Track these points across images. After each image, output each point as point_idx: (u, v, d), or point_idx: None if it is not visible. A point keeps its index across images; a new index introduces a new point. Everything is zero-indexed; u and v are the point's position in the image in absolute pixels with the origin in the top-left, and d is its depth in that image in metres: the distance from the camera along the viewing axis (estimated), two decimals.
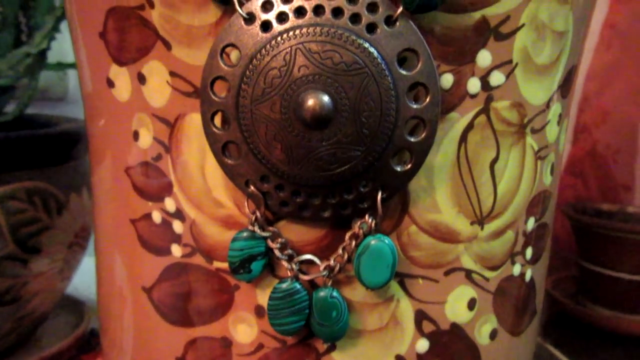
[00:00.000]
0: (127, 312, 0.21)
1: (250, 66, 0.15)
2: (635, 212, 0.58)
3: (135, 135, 0.19)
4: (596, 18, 0.65)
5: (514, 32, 0.17)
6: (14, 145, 0.38)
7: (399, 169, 0.16)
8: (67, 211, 0.41)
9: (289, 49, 0.15)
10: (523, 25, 0.17)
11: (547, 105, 0.19)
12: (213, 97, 0.16)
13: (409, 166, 0.16)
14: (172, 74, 0.17)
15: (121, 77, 0.19)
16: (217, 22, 0.16)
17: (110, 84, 0.19)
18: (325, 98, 0.15)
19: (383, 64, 0.15)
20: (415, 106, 0.16)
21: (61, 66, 0.49)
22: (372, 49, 0.15)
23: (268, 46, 0.15)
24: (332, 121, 0.15)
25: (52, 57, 0.46)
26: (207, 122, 0.16)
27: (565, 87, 0.20)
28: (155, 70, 0.18)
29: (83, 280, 0.48)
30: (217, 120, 0.17)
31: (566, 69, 0.19)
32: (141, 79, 0.18)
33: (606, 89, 0.70)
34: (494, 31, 0.17)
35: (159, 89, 0.18)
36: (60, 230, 0.41)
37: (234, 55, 0.16)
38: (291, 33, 0.15)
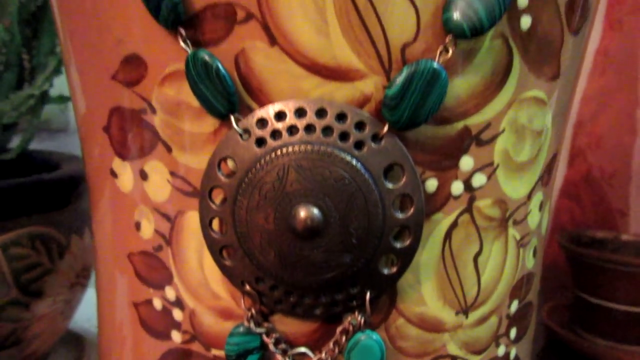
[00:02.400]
0: None
1: (246, 179, 0.16)
2: (630, 241, 0.58)
3: (137, 226, 0.20)
4: (589, 44, 0.66)
5: (494, 138, 0.18)
6: (15, 192, 0.39)
7: (386, 271, 0.17)
8: (68, 253, 0.42)
9: (282, 165, 0.16)
10: (503, 130, 0.18)
11: (529, 197, 0.20)
12: (211, 204, 0.17)
13: (396, 269, 0.17)
14: (173, 174, 0.18)
15: (124, 170, 0.20)
16: (216, 131, 0.17)
17: (114, 174, 0.20)
18: (316, 211, 0.16)
19: (370, 180, 0.16)
20: (401, 216, 0.17)
21: (63, 99, 0.51)
22: (359, 166, 0.16)
23: (262, 161, 0.16)
24: (322, 232, 0.16)
25: (53, 90, 0.47)
26: (205, 226, 0.17)
27: (546, 176, 0.21)
28: (156, 168, 0.19)
29: (83, 312, 0.48)
30: (215, 224, 0.18)
31: (547, 161, 0.20)
32: (143, 175, 0.19)
33: (600, 114, 0.71)
34: (476, 138, 0.18)
35: (160, 186, 0.19)
36: (62, 273, 0.42)
37: (231, 164, 0.17)
38: (284, 150, 0.16)
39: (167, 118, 0.18)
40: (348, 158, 0.16)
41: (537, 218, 0.21)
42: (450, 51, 0.16)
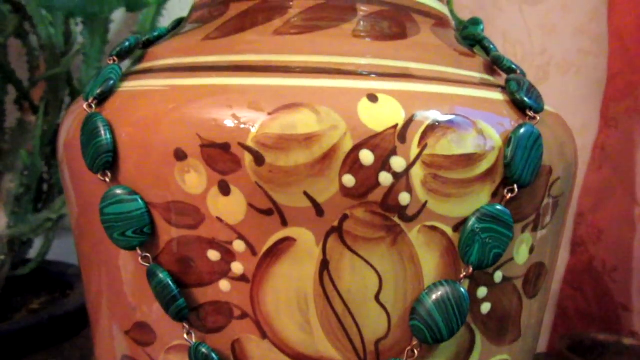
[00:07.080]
0: None
1: None
2: (632, 345, 0.56)
3: None
4: (587, 138, 0.68)
5: None
6: (29, 332, 0.41)
7: None
8: None
9: None
10: None
11: None
12: None
13: None
14: None
15: None
16: None
17: None
18: None
19: None
20: None
21: None
22: None
23: None
24: None
25: None
26: None
27: None
28: None
29: None
30: None
31: None
32: None
33: (600, 206, 0.71)
34: None
35: None
36: None
37: None
38: None
39: None
40: None
41: None
42: (416, 352, 0.18)
